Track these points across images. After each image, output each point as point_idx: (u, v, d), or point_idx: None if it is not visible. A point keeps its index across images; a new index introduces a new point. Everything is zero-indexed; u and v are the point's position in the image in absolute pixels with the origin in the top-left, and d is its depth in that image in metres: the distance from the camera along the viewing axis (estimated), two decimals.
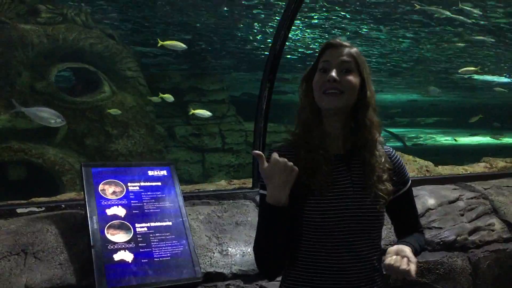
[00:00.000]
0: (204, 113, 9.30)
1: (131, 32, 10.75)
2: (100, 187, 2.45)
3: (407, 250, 1.64)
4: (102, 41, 9.13)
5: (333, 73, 1.70)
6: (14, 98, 7.57)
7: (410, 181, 1.89)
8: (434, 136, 19.89)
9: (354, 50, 1.76)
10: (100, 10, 9.65)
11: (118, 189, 2.48)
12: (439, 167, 4.59)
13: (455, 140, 16.72)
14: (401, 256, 1.60)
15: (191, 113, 9.16)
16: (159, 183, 2.59)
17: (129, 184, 2.52)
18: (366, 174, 1.74)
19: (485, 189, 3.58)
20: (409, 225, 1.90)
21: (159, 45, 8.07)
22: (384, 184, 1.74)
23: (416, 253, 1.74)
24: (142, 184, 2.55)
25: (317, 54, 1.80)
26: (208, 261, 2.51)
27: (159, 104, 10.50)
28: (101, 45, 9.10)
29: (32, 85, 8.30)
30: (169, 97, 8.99)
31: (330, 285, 1.70)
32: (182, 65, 12.25)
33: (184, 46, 8.09)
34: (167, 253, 2.37)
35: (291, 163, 1.62)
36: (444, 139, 19.16)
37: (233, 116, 11.71)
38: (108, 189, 2.46)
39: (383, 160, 1.77)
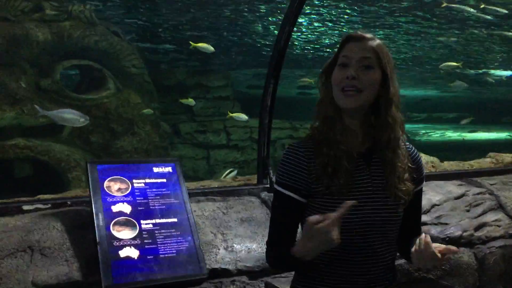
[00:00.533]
0: (242, 116, 9.24)
1: (136, 29, 10.75)
2: (106, 184, 2.46)
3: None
4: (107, 38, 9.15)
5: (352, 71, 1.62)
6: (20, 96, 7.62)
7: (424, 181, 1.85)
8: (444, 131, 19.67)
9: (376, 43, 1.67)
10: (105, 7, 9.66)
11: (123, 186, 2.48)
12: (445, 162, 4.57)
13: (463, 138, 16.58)
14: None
15: (229, 116, 9.15)
16: (164, 180, 2.60)
17: (134, 181, 2.53)
18: (387, 174, 1.68)
19: (491, 184, 3.56)
20: (413, 225, 1.84)
21: (191, 47, 8.32)
22: (405, 185, 1.69)
23: None
24: (148, 180, 2.56)
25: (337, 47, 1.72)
26: (213, 258, 2.51)
27: (164, 101, 10.53)
28: (105, 42, 9.12)
29: (37, 82, 8.33)
30: (191, 101, 9.02)
31: (346, 285, 1.68)
32: (188, 62, 12.26)
33: (212, 49, 8.31)
34: (173, 250, 2.38)
35: (335, 236, 1.49)
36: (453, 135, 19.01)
37: (238, 112, 11.71)
38: (114, 186, 2.47)
39: (406, 160, 1.71)
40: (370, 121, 1.69)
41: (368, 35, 1.68)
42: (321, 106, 1.72)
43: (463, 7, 9.50)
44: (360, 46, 1.66)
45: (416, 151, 1.83)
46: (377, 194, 1.68)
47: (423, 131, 19.05)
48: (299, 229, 1.75)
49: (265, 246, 1.77)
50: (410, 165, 1.72)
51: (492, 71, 14.96)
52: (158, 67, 11.51)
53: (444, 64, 10.58)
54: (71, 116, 6.53)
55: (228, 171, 7.90)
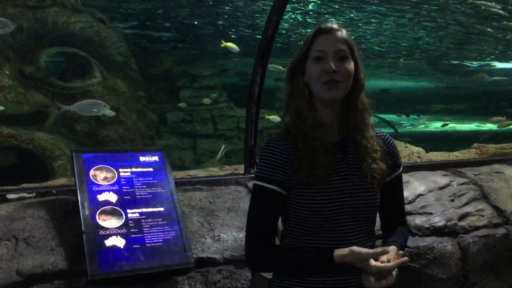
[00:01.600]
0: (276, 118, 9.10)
1: (122, 16, 10.62)
2: (91, 172, 2.44)
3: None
4: (92, 25, 9.02)
5: (332, 64, 1.66)
6: (3, 84, 7.50)
7: (402, 167, 1.89)
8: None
9: (345, 33, 1.72)
10: None
11: (109, 175, 2.47)
12: (430, 153, 4.62)
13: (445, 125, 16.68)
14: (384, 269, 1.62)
15: (266, 118, 8.98)
16: (151, 169, 2.58)
17: (120, 170, 2.51)
18: (361, 157, 1.73)
19: (475, 175, 3.61)
20: (395, 213, 1.89)
21: (222, 45, 8.42)
22: (377, 163, 1.73)
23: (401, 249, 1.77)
24: (134, 170, 2.54)
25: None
26: (200, 247, 2.52)
27: (151, 89, 10.44)
28: (91, 29, 8.99)
29: (22, 69, 8.20)
30: (182, 105, 8.96)
31: (326, 273, 1.70)
32: (174, 50, 12.15)
33: (237, 49, 8.46)
34: (159, 239, 2.37)
35: (373, 264, 1.60)
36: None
37: (225, 102, 11.67)
38: (100, 175, 2.45)
39: (375, 141, 1.77)
40: (344, 110, 1.74)
41: (336, 26, 1.73)
42: (292, 100, 1.75)
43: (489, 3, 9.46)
44: (332, 38, 1.70)
45: (390, 137, 1.88)
46: (354, 180, 1.72)
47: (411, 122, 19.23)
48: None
49: None
50: (379, 148, 1.77)
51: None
52: (145, 55, 11.39)
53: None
54: (91, 107, 6.65)
55: (222, 149, 7.97)
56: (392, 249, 1.67)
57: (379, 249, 1.64)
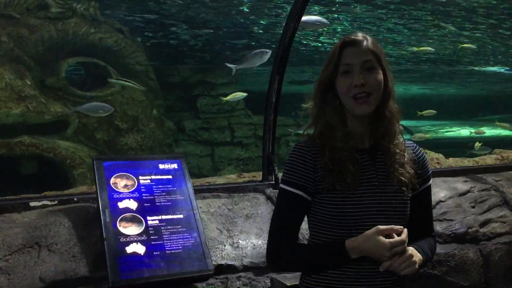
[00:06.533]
0: (239, 95, 9.36)
1: (141, 26, 10.76)
2: (112, 180, 2.47)
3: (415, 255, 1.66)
4: (111, 36, 9.17)
5: (360, 78, 1.65)
6: (25, 94, 7.65)
7: (431, 179, 1.87)
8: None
9: (371, 42, 1.70)
10: (109, 4, 9.67)
11: (129, 183, 2.50)
12: (450, 159, 4.57)
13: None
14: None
15: (225, 100, 9.23)
16: (170, 176, 2.61)
17: (140, 177, 2.54)
18: (388, 163, 1.72)
19: (496, 181, 3.55)
20: (423, 225, 1.85)
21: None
22: (404, 168, 1.72)
23: (427, 260, 1.76)
24: (153, 177, 2.57)
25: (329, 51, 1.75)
26: (219, 254, 2.52)
27: (168, 98, 10.55)
28: (110, 39, 9.14)
29: (43, 80, 8.36)
30: (242, 95, 9.16)
31: (354, 282, 1.69)
32: (192, 59, 12.26)
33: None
34: (179, 246, 2.39)
35: (397, 249, 1.61)
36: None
37: (242, 109, 11.71)
38: (120, 183, 2.48)
39: (403, 147, 1.76)
40: (373, 118, 1.73)
41: (361, 36, 1.70)
42: (321, 113, 1.74)
43: None
44: (358, 51, 1.68)
45: (419, 148, 1.87)
46: (382, 187, 1.71)
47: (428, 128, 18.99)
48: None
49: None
50: (407, 155, 1.76)
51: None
52: (163, 64, 11.52)
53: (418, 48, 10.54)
54: (96, 108, 7.42)
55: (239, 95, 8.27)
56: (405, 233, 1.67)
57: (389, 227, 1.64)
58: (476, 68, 15.56)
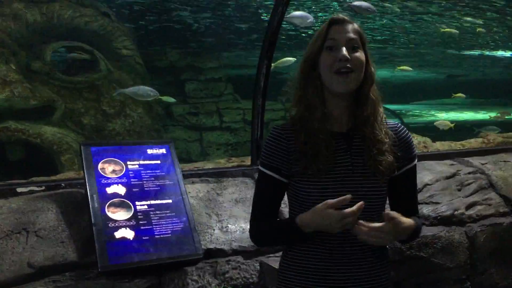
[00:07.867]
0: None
1: (127, 10, 10.61)
2: (100, 165, 2.46)
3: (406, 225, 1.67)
4: (97, 19, 9.02)
5: (344, 51, 1.67)
6: (10, 79, 7.54)
7: (416, 159, 1.86)
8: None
9: (356, 25, 1.74)
10: None
11: (117, 168, 2.49)
12: (437, 143, 4.61)
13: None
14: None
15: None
16: (159, 161, 2.60)
17: (128, 162, 2.53)
18: (367, 149, 1.72)
19: (482, 164, 3.60)
20: (408, 207, 1.84)
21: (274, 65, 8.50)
22: (384, 155, 1.72)
23: (416, 233, 1.77)
24: (142, 162, 2.56)
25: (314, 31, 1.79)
26: (208, 238, 2.54)
27: (156, 83, 10.45)
28: (96, 23, 9.00)
29: (28, 64, 8.24)
30: (169, 99, 9.14)
31: (328, 267, 1.71)
32: (179, 43, 12.13)
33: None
34: (168, 230, 2.39)
35: (339, 226, 1.60)
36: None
37: (230, 94, 11.66)
38: (108, 168, 2.47)
39: (382, 133, 1.75)
40: (353, 102, 1.75)
41: (348, 18, 1.75)
42: (303, 93, 1.75)
43: None
44: (345, 29, 1.71)
45: (405, 129, 1.86)
46: (356, 173, 1.72)
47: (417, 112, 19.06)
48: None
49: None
50: (388, 140, 1.75)
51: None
52: (150, 48, 11.38)
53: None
54: (142, 91, 7.37)
55: None
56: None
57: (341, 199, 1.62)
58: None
